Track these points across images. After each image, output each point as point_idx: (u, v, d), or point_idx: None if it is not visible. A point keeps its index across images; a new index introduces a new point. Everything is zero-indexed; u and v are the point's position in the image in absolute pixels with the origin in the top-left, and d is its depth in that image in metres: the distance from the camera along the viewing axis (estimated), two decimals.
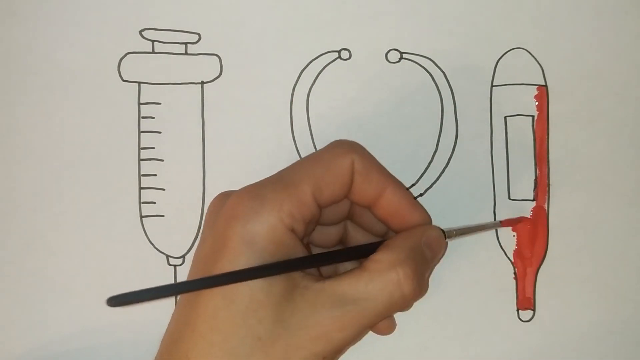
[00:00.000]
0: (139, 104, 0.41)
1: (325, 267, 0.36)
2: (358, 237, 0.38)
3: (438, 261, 0.35)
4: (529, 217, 0.41)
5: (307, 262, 0.33)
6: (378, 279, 0.32)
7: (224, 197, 0.34)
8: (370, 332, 0.40)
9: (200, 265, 0.33)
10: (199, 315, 0.31)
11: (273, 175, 0.34)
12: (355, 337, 0.33)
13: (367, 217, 0.37)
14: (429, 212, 0.40)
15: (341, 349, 0.32)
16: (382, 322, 0.36)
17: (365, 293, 0.32)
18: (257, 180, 0.33)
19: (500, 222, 0.40)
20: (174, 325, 0.33)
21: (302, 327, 0.31)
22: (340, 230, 0.38)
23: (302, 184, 0.32)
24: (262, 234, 0.31)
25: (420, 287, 0.33)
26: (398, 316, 0.41)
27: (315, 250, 0.37)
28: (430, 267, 0.35)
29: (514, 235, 0.41)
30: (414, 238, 0.34)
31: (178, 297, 0.35)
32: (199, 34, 0.41)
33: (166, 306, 0.41)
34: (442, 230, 0.36)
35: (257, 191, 0.32)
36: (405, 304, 0.33)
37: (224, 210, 0.32)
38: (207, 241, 0.33)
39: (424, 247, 0.34)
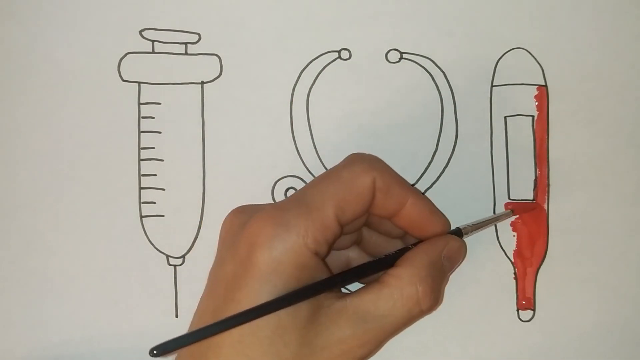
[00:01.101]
0: (139, 104, 0.41)
1: None
2: (373, 240, 0.38)
3: (456, 268, 0.36)
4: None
5: (331, 284, 0.33)
6: (398, 295, 0.33)
7: (242, 216, 0.34)
8: None
9: (220, 290, 0.33)
10: (223, 339, 0.31)
11: (294, 197, 0.34)
12: (374, 351, 0.33)
13: (384, 223, 0.37)
14: None
15: (366, 357, 0.33)
16: None
17: (385, 310, 0.33)
18: (278, 202, 0.33)
19: (512, 210, 0.40)
20: (196, 348, 0.33)
21: (326, 346, 0.32)
22: (356, 235, 0.38)
23: (325, 208, 0.33)
24: (287, 261, 0.31)
25: (437, 301, 0.34)
26: None
27: (331, 254, 0.37)
28: (447, 278, 0.36)
29: (514, 235, 0.41)
30: (435, 252, 0.34)
31: (193, 318, 0.35)
32: (199, 34, 0.41)
33: (166, 307, 0.41)
34: (462, 238, 0.36)
35: (281, 217, 0.32)
36: (421, 317, 0.34)
37: (247, 234, 0.32)
38: (228, 265, 0.33)
39: (444, 260, 0.35)
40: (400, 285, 0.33)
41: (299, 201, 0.33)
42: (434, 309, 0.34)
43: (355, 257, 0.38)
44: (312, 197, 0.33)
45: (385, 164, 0.35)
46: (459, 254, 0.36)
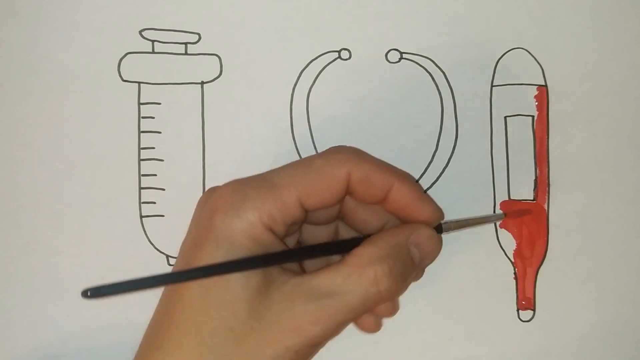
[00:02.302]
0: (139, 104, 0.41)
1: (311, 263, 0.36)
2: (359, 216, 0.37)
3: (430, 261, 0.35)
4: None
5: (284, 257, 0.33)
6: (355, 273, 0.32)
7: (210, 191, 0.34)
8: (372, 334, 0.40)
9: (182, 256, 0.34)
10: (176, 304, 0.32)
11: (262, 174, 0.34)
12: (331, 332, 0.32)
13: (359, 218, 0.36)
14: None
15: (316, 343, 0.32)
16: (365, 319, 0.36)
17: (341, 287, 0.32)
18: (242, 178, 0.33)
19: (504, 213, 0.40)
20: (155, 315, 0.34)
21: (276, 320, 0.31)
22: (332, 230, 0.38)
23: (287, 189, 0.33)
24: (239, 229, 0.31)
25: (398, 287, 0.33)
26: (397, 316, 0.41)
27: (313, 229, 0.37)
28: (416, 268, 0.34)
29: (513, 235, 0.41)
30: (400, 235, 0.34)
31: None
32: (199, 34, 0.41)
33: None
34: (438, 228, 0.35)
35: (241, 187, 0.32)
36: (380, 301, 0.32)
37: (209, 203, 0.33)
38: (191, 233, 0.33)
39: (411, 247, 0.34)
40: (359, 263, 0.32)
41: (263, 178, 0.33)
42: (395, 296, 0.33)
43: (343, 234, 0.38)
44: (277, 176, 0.33)
45: (365, 154, 0.35)
46: (430, 244, 0.34)
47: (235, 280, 0.31)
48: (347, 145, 0.36)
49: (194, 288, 0.31)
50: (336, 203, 0.34)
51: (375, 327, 0.37)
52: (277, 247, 0.33)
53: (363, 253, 0.33)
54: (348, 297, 0.32)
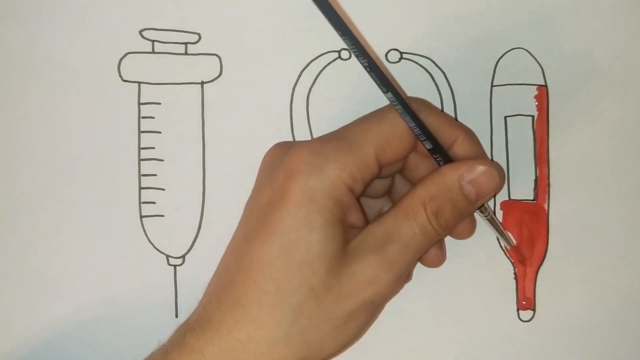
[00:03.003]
0: (139, 104, 0.41)
1: (371, 210, 0.38)
2: (404, 190, 0.38)
3: (490, 197, 0.35)
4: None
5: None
6: (410, 215, 0.33)
7: (282, 149, 0.35)
8: (369, 336, 0.40)
9: (254, 214, 0.34)
10: (252, 263, 0.32)
11: (336, 133, 0.34)
12: (402, 276, 0.34)
13: (418, 172, 0.37)
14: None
15: (390, 291, 0.34)
16: (430, 254, 0.38)
17: (400, 230, 0.33)
18: (318, 136, 0.34)
19: (510, 247, 0.41)
20: (224, 272, 0.35)
21: (352, 275, 0.32)
22: (389, 182, 0.38)
23: (366, 145, 0.33)
24: (322, 191, 0.32)
25: (451, 222, 0.34)
26: (398, 316, 0.41)
27: (363, 201, 0.37)
28: (473, 203, 0.34)
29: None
30: (449, 174, 0.34)
31: (228, 245, 0.36)
32: (199, 34, 0.41)
33: (167, 309, 0.41)
34: (498, 168, 0.35)
35: (321, 148, 0.33)
36: (437, 236, 0.34)
37: (286, 163, 0.33)
38: (264, 192, 0.34)
39: (464, 184, 0.34)
40: (410, 204, 0.33)
41: (340, 136, 0.34)
42: (450, 230, 0.35)
43: (386, 209, 0.38)
44: (354, 133, 0.34)
45: (431, 105, 0.36)
46: (485, 180, 0.34)
47: (316, 241, 0.32)
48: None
49: (274, 248, 0.32)
50: (407, 155, 0.35)
51: (440, 259, 0.39)
52: (356, 208, 0.34)
53: (413, 194, 0.34)
54: (408, 239, 0.33)
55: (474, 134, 0.37)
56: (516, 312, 0.41)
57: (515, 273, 0.41)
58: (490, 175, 0.34)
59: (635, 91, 0.41)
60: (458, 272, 0.41)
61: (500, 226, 0.39)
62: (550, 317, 0.41)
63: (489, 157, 0.41)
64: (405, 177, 0.38)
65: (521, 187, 0.41)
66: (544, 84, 0.41)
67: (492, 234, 0.41)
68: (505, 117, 0.41)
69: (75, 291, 0.41)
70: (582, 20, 0.41)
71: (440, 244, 0.39)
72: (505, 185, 0.41)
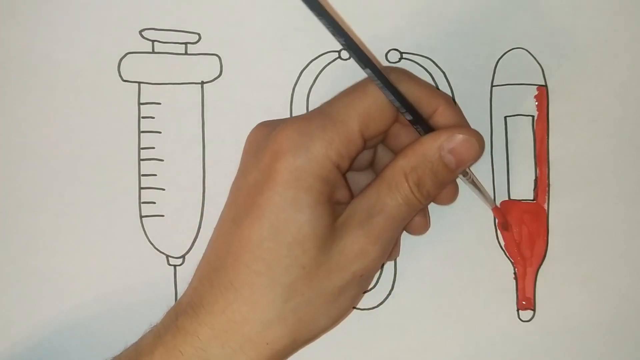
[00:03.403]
0: (139, 104, 0.41)
1: (355, 183, 0.37)
2: (386, 160, 0.38)
3: (469, 164, 0.35)
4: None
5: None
6: (392, 186, 0.34)
7: (266, 129, 0.34)
8: (369, 336, 0.40)
9: (242, 195, 0.34)
10: (242, 245, 0.33)
11: (318, 110, 0.34)
12: (389, 247, 0.34)
13: (400, 140, 0.37)
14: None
15: (378, 264, 0.34)
16: (415, 222, 0.38)
17: (384, 202, 0.33)
18: (302, 114, 0.34)
19: (495, 206, 0.41)
20: (213, 254, 0.35)
21: (341, 250, 0.33)
22: (372, 154, 0.38)
23: (350, 121, 0.33)
24: (310, 170, 0.32)
25: (432, 191, 0.34)
26: (398, 316, 0.41)
27: (347, 176, 0.37)
28: (454, 172, 0.35)
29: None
30: (428, 144, 0.34)
31: (215, 227, 0.36)
32: (199, 34, 0.41)
33: (166, 307, 0.41)
34: (477, 136, 0.35)
35: (306, 127, 0.33)
36: (420, 205, 0.34)
37: (271, 143, 0.33)
38: (250, 173, 0.34)
39: (444, 153, 0.34)
40: (392, 175, 0.34)
41: (324, 113, 0.34)
42: (432, 198, 0.35)
43: (369, 180, 0.38)
44: (337, 109, 0.34)
45: (411, 74, 0.35)
46: (464, 148, 0.34)
47: (306, 221, 0.32)
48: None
49: (263, 229, 0.32)
50: (390, 127, 0.35)
51: (424, 228, 0.39)
52: (342, 185, 0.34)
53: (395, 165, 0.34)
54: (392, 210, 0.33)
55: (453, 101, 0.36)
56: (516, 312, 0.41)
57: (515, 273, 0.41)
58: (469, 144, 0.34)
59: (635, 91, 0.41)
60: (458, 272, 0.41)
61: (482, 187, 0.39)
62: (550, 317, 0.41)
63: (489, 157, 0.41)
64: (387, 146, 0.38)
65: (521, 187, 0.41)
66: (544, 84, 0.41)
67: (492, 234, 0.41)
68: (505, 117, 0.41)
69: (75, 291, 0.41)
70: (582, 20, 0.41)
71: (424, 212, 0.39)
72: (505, 185, 0.41)
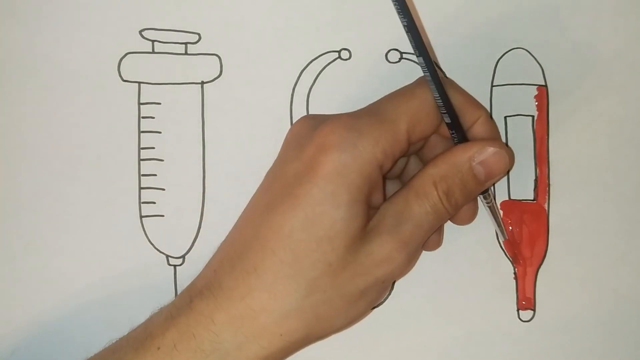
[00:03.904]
0: (139, 104, 0.41)
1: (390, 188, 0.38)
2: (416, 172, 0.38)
3: (498, 178, 0.35)
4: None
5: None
6: (421, 194, 0.34)
7: (312, 121, 0.34)
8: (369, 336, 0.40)
9: (278, 185, 0.33)
10: (272, 232, 0.32)
11: (367, 108, 0.34)
12: (413, 256, 0.34)
13: (435, 151, 0.37)
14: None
15: (401, 271, 0.34)
16: (430, 238, 0.38)
17: (412, 210, 0.33)
18: (348, 112, 0.34)
19: (503, 240, 0.41)
20: (239, 239, 0.34)
21: (368, 253, 0.33)
22: (404, 163, 0.38)
23: (398, 121, 0.33)
24: (353, 167, 0.32)
25: (461, 202, 0.34)
26: (398, 316, 0.41)
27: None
28: (482, 184, 0.35)
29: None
30: (459, 154, 0.34)
31: (242, 212, 0.36)
32: (199, 34, 0.41)
33: None
34: (508, 150, 0.35)
35: (354, 123, 0.33)
36: (448, 215, 0.34)
37: (317, 136, 0.33)
38: (291, 164, 0.33)
39: (474, 164, 0.34)
40: (421, 184, 0.34)
41: (372, 112, 0.34)
42: (460, 208, 0.35)
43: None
44: (386, 109, 0.34)
45: (455, 82, 0.36)
46: (495, 161, 0.34)
47: (340, 218, 0.32)
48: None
49: (296, 220, 0.32)
50: (433, 133, 0.35)
51: (437, 245, 0.39)
52: (380, 189, 0.34)
53: (425, 173, 0.34)
54: (420, 218, 0.33)
55: (491, 118, 0.37)
56: (516, 312, 0.41)
57: (515, 273, 0.41)
58: (500, 157, 0.34)
59: (635, 91, 0.41)
60: (458, 272, 0.41)
61: (499, 215, 0.39)
62: (550, 317, 0.41)
63: None
64: (422, 157, 0.38)
65: (521, 187, 0.41)
66: (544, 84, 0.41)
67: (492, 234, 0.41)
68: (505, 117, 0.41)
69: (75, 291, 0.41)
70: (582, 20, 0.41)
71: (439, 229, 0.39)
72: (506, 185, 0.41)
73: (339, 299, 0.33)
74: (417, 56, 0.32)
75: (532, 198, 0.41)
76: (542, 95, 0.41)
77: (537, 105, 0.41)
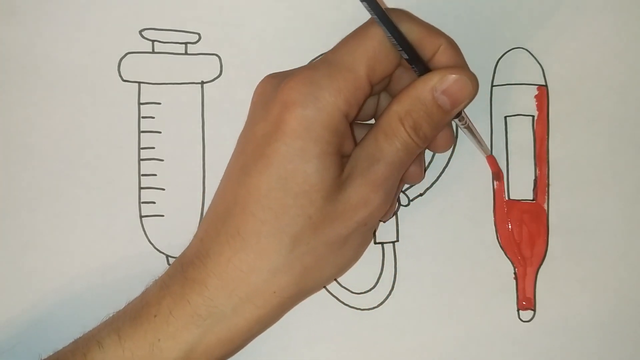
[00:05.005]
0: (139, 104, 0.41)
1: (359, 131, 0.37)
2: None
3: (464, 105, 0.35)
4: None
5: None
6: (389, 132, 0.33)
7: (274, 80, 0.34)
8: (369, 336, 0.40)
9: (250, 148, 0.34)
10: (250, 194, 0.33)
11: (324, 58, 0.34)
12: (389, 195, 0.34)
13: (402, 85, 0.36)
14: (428, 213, 0.40)
15: (380, 212, 0.34)
16: (410, 171, 0.38)
17: (382, 149, 0.33)
18: (309, 63, 0.34)
19: (488, 156, 0.40)
20: (220, 205, 0.35)
21: (346, 200, 0.33)
22: (375, 103, 0.38)
23: (357, 68, 0.33)
24: (319, 120, 0.32)
25: (430, 134, 0.34)
26: (398, 316, 0.41)
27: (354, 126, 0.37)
28: (449, 113, 0.34)
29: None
30: (420, 87, 0.34)
31: (221, 178, 0.36)
32: (199, 34, 0.41)
33: None
34: (470, 75, 0.34)
35: (313, 77, 0.33)
36: (418, 149, 0.34)
37: (280, 94, 0.33)
38: (259, 124, 0.34)
39: (437, 94, 0.34)
40: (388, 122, 0.34)
41: (329, 62, 0.33)
42: (430, 140, 0.35)
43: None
44: (342, 56, 0.33)
45: (412, 14, 0.35)
46: (458, 89, 0.34)
47: (314, 171, 0.32)
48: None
49: (271, 179, 0.32)
50: (394, 70, 0.35)
51: (419, 177, 0.39)
52: (349, 134, 0.34)
53: (390, 111, 0.34)
54: (391, 156, 0.33)
55: (455, 43, 0.36)
56: (516, 312, 0.41)
57: (515, 273, 0.41)
58: (462, 83, 0.34)
59: (635, 91, 0.41)
60: (458, 272, 0.41)
61: (478, 134, 0.39)
62: (550, 317, 0.41)
63: None
64: (391, 92, 0.38)
65: (521, 187, 0.41)
66: (544, 84, 0.41)
67: (492, 234, 0.41)
68: (505, 117, 0.41)
69: (75, 291, 0.41)
70: (582, 20, 0.41)
71: (419, 160, 0.38)
72: (505, 185, 0.41)
73: (323, 248, 0.33)
74: (361, 1, 0.32)
75: (531, 198, 0.41)
76: (542, 95, 0.41)
77: (537, 105, 0.41)
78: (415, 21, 0.35)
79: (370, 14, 0.32)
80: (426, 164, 0.41)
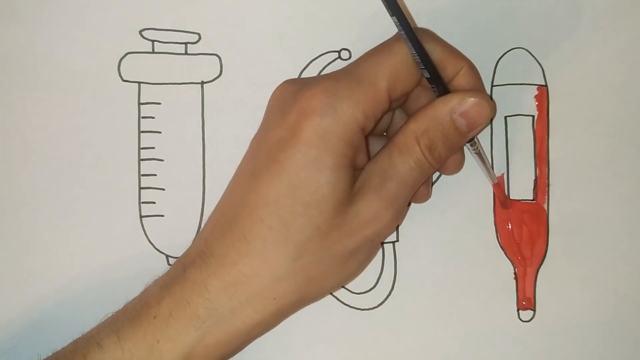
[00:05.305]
0: (139, 104, 0.41)
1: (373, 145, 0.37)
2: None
3: (481, 128, 0.35)
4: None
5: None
6: (404, 150, 0.33)
7: (293, 86, 0.34)
8: (369, 336, 0.40)
9: (263, 152, 0.34)
10: (259, 199, 0.33)
11: (345, 70, 0.34)
12: (399, 213, 0.35)
13: (419, 104, 0.36)
14: (428, 213, 0.40)
15: (389, 229, 0.34)
16: (418, 191, 0.37)
17: (396, 167, 0.33)
18: (329, 73, 0.34)
19: (495, 184, 0.40)
20: (228, 207, 0.35)
21: (356, 214, 0.33)
22: (390, 119, 0.38)
23: (377, 82, 0.33)
24: (336, 131, 0.32)
25: (444, 155, 0.34)
26: (398, 316, 0.41)
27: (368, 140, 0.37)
28: (465, 135, 0.35)
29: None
30: (439, 107, 0.34)
31: (230, 180, 0.36)
32: (199, 34, 0.41)
33: None
34: (489, 100, 0.34)
35: (334, 87, 0.33)
36: (432, 169, 0.34)
37: (299, 101, 0.33)
38: (274, 130, 0.34)
39: (455, 116, 0.34)
40: (404, 140, 0.34)
41: (351, 74, 0.33)
42: (444, 161, 0.35)
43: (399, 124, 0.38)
44: (364, 69, 0.33)
45: (435, 34, 0.35)
46: (476, 112, 0.34)
47: (326, 182, 0.32)
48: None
49: (282, 186, 0.32)
50: (414, 88, 0.35)
51: (426, 197, 0.39)
52: (363, 151, 0.34)
53: (406, 129, 0.34)
54: (404, 174, 0.33)
55: (475, 68, 0.36)
56: (516, 312, 0.41)
57: (515, 273, 0.41)
58: (481, 107, 0.34)
59: (635, 91, 0.41)
60: (458, 272, 0.41)
61: (487, 160, 0.39)
62: (550, 317, 0.41)
63: (489, 156, 0.41)
64: (407, 110, 0.38)
65: (521, 187, 0.41)
66: (544, 84, 0.41)
67: (492, 234, 0.41)
68: (505, 117, 0.41)
69: (75, 291, 0.41)
70: (582, 20, 0.41)
71: (427, 181, 0.38)
72: (505, 185, 0.41)
73: (329, 260, 0.33)
74: (390, 15, 0.32)
75: (531, 198, 0.41)
76: (542, 95, 0.41)
77: (537, 105, 0.41)
78: (440, 42, 0.35)
79: (399, 29, 0.32)
80: None
